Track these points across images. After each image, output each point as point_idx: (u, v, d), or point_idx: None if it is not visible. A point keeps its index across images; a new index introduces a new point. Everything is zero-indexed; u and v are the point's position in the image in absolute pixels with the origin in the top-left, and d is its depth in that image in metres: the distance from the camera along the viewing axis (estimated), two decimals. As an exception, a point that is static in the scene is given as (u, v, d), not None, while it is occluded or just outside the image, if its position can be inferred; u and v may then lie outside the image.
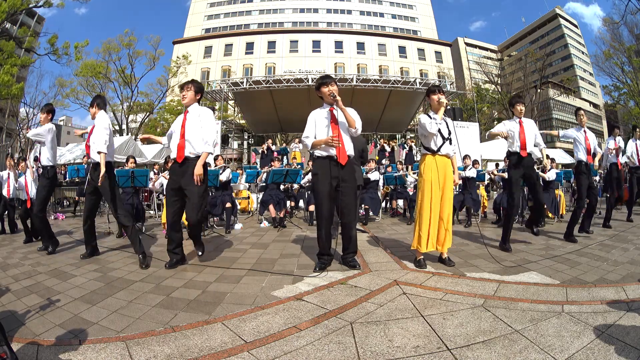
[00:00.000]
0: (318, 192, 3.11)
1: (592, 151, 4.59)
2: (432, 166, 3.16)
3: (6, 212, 5.80)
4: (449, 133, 3.23)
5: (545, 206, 5.03)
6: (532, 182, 3.96)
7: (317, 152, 3.12)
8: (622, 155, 5.80)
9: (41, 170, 4.14)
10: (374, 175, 6.56)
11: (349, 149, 3.12)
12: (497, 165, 10.28)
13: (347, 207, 3.10)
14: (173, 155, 3.27)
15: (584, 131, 4.65)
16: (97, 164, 3.48)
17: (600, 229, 5.22)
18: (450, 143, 3.23)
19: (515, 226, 5.79)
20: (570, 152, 20.69)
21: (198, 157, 3.16)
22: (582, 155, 4.57)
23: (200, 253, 3.52)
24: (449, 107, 3.41)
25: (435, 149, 3.18)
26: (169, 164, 5.67)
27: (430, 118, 3.17)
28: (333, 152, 3.04)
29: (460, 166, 7.19)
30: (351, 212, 3.15)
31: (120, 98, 24.78)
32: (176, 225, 3.31)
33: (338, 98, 2.98)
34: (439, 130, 3.17)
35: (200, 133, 3.21)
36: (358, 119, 3.14)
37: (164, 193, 5.82)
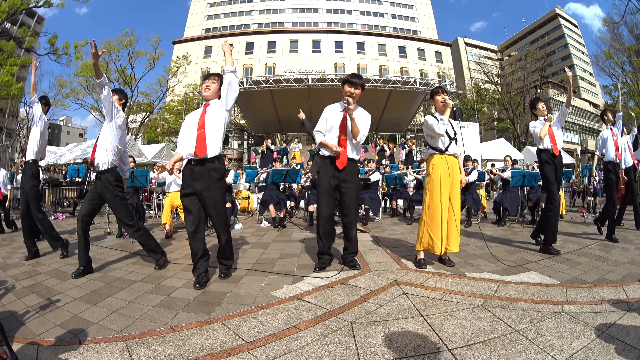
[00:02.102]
0: (318, 190, 3.12)
1: (620, 148, 4.66)
2: (440, 166, 3.14)
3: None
4: (455, 133, 3.23)
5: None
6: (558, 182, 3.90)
7: (322, 151, 3.14)
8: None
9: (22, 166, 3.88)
10: (374, 176, 6.56)
11: (351, 153, 3.10)
12: (492, 165, 10.27)
13: (348, 207, 3.11)
14: (189, 151, 2.77)
15: (611, 129, 4.76)
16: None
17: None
18: (457, 143, 3.23)
19: (515, 226, 5.82)
20: (570, 152, 20.69)
21: (217, 158, 2.82)
22: (612, 153, 4.64)
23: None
24: (455, 108, 3.42)
25: (443, 148, 3.17)
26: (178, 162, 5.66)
27: (437, 119, 3.16)
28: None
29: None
30: (352, 212, 3.15)
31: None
32: (198, 235, 2.85)
33: (351, 107, 2.95)
34: (446, 131, 3.17)
35: (221, 132, 2.85)
36: (365, 126, 3.11)
37: (165, 192, 5.83)
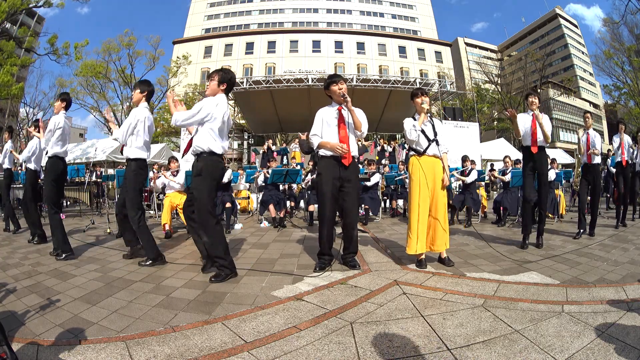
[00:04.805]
0: (322, 192, 3.09)
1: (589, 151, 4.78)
2: (420, 167, 3.19)
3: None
4: (435, 135, 3.24)
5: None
6: (541, 178, 4.00)
7: (322, 152, 3.12)
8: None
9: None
10: (374, 178, 6.55)
11: (354, 150, 3.12)
12: (492, 165, 10.26)
13: (349, 208, 3.11)
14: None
15: (587, 133, 4.86)
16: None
17: (600, 228, 5.21)
18: (437, 144, 3.23)
19: (515, 226, 5.81)
20: (570, 152, 20.71)
21: (201, 153, 2.90)
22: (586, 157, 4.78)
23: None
24: (429, 113, 3.42)
25: (421, 150, 3.22)
26: (172, 163, 5.70)
27: (414, 121, 3.23)
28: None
29: (458, 167, 7.23)
30: (353, 212, 3.16)
31: (120, 98, 24.75)
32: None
33: (348, 99, 2.98)
34: (424, 132, 3.20)
35: (206, 129, 2.89)
36: (365, 120, 3.15)
37: (165, 192, 5.83)
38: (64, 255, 3.62)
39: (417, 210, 3.13)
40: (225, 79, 2.99)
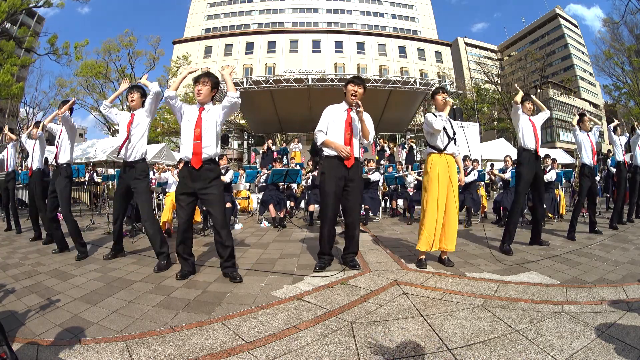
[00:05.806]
0: (325, 192, 3.07)
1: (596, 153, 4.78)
2: (439, 164, 3.16)
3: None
4: (454, 133, 3.25)
5: (545, 206, 5.07)
6: (538, 182, 3.95)
7: (326, 151, 3.10)
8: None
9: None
10: (374, 176, 6.56)
11: (357, 152, 3.11)
12: (492, 165, 10.26)
13: (352, 207, 3.10)
14: (187, 156, 2.90)
15: (588, 135, 4.82)
16: (132, 163, 3.45)
17: (600, 228, 5.20)
18: (455, 143, 3.24)
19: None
20: (570, 152, 20.71)
21: (213, 160, 2.92)
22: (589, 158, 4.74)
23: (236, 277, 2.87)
24: (455, 107, 3.48)
25: (442, 147, 3.19)
26: (181, 165, 5.68)
27: (436, 116, 3.19)
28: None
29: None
30: (356, 211, 3.16)
31: (120, 98, 24.75)
32: (188, 232, 3.02)
33: (360, 108, 2.96)
34: (445, 129, 3.19)
35: (217, 135, 3.00)
36: (372, 129, 3.15)
37: (164, 192, 5.83)
38: (58, 249, 3.78)
39: (436, 207, 3.09)
40: (217, 84, 3.09)
